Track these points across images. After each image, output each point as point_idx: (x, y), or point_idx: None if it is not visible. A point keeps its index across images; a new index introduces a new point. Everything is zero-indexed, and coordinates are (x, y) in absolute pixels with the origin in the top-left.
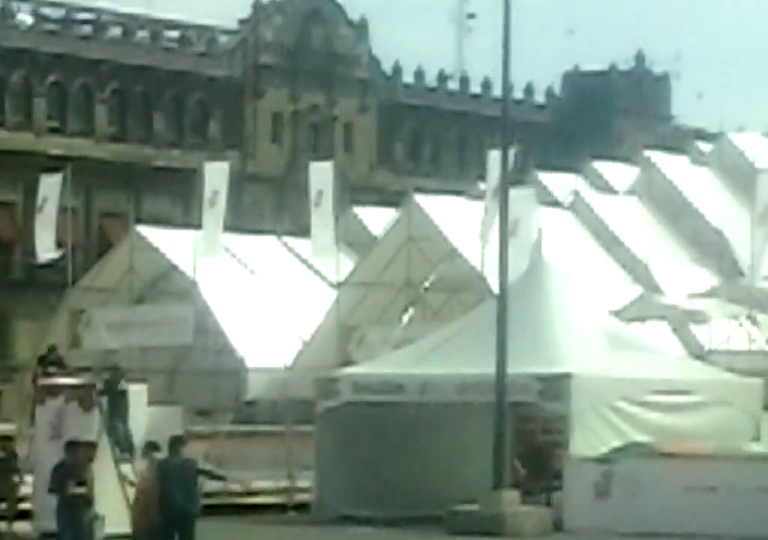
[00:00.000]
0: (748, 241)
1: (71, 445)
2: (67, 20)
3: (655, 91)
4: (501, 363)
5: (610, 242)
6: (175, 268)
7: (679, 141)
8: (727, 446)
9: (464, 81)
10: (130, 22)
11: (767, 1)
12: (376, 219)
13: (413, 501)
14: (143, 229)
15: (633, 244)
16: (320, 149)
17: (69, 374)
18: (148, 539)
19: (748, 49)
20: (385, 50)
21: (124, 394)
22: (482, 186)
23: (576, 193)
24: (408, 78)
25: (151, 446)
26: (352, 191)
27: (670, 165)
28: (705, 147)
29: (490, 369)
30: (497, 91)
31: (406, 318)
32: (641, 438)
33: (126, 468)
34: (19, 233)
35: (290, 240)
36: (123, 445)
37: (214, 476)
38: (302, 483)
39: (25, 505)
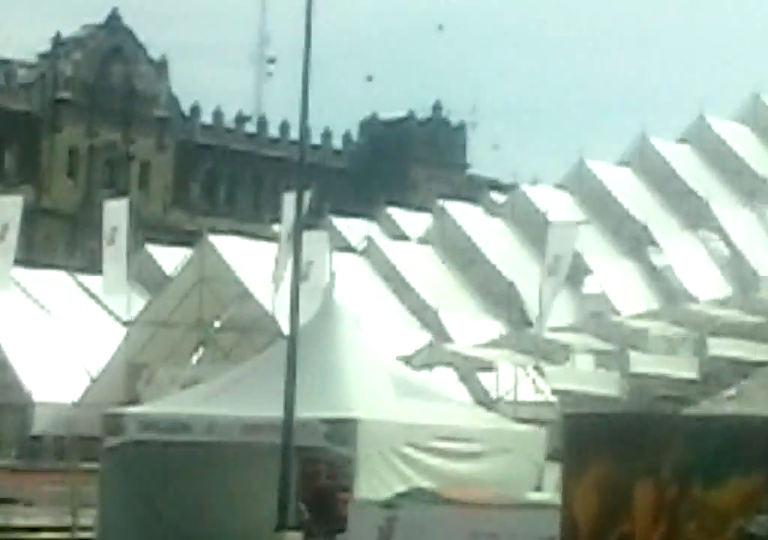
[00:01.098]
0: (537, 292)
1: None
2: None
3: (452, 140)
4: (288, 405)
5: (401, 289)
6: None
7: (474, 191)
8: (509, 494)
9: (262, 123)
10: None
11: (563, 56)
12: (170, 258)
13: None
14: None
15: (424, 292)
16: (116, 186)
17: None
18: None
19: (543, 103)
20: (184, 90)
21: None
22: (277, 228)
23: (369, 239)
24: (207, 118)
25: None
26: (147, 230)
27: (464, 214)
28: (499, 198)
29: (277, 411)
30: (295, 134)
31: (195, 358)
32: (426, 484)
33: None
34: None
35: (82, 276)
36: None
37: None
38: (85, 520)
39: None
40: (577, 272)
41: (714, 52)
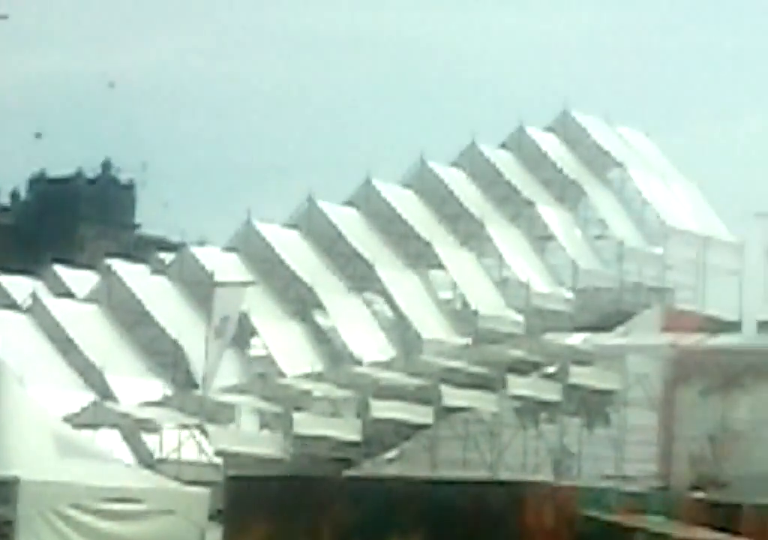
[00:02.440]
0: (203, 352)
1: None
2: None
3: (121, 199)
4: None
5: (66, 348)
6: None
7: (143, 250)
8: None
9: None
10: None
11: (231, 116)
12: None
13: None
14: None
15: (89, 351)
16: None
17: None
18: None
19: (212, 163)
20: None
21: None
22: None
23: (34, 297)
24: None
25: None
26: None
27: (130, 273)
28: (167, 257)
29: None
30: None
31: None
32: None
33: None
34: None
35: None
36: None
37: None
38: None
39: None
40: (243, 333)
41: (382, 116)
